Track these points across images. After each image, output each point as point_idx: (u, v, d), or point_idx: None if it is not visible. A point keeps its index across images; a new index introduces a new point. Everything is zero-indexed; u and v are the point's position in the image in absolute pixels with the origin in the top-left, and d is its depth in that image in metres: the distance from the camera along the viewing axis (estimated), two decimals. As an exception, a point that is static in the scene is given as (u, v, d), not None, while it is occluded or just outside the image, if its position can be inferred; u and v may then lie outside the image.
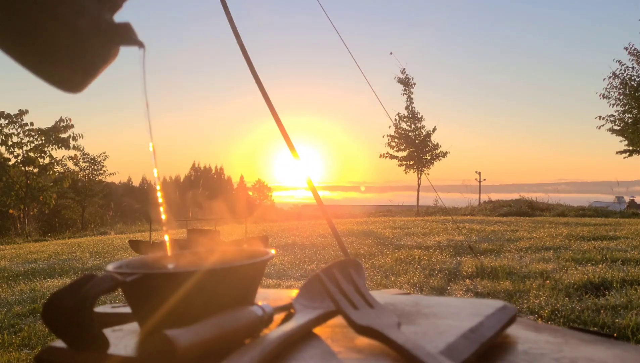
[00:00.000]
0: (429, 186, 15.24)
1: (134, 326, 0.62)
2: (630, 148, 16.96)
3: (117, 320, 0.68)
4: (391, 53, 24.72)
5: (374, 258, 5.52)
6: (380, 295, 0.70)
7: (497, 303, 0.62)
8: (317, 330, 0.56)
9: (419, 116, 17.86)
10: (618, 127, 16.80)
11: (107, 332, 0.60)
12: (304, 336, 0.53)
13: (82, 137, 19.51)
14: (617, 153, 17.52)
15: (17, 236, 14.93)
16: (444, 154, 17.87)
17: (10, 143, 18.49)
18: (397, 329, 0.50)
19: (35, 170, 19.06)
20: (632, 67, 16.41)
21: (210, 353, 0.47)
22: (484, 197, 20.59)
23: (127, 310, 0.75)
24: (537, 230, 7.72)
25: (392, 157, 18.12)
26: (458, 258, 5.36)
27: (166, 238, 0.65)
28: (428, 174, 17.60)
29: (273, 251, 0.63)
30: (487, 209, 15.33)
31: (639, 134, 16.20)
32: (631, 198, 25.42)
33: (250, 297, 0.59)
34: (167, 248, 0.65)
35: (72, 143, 19.18)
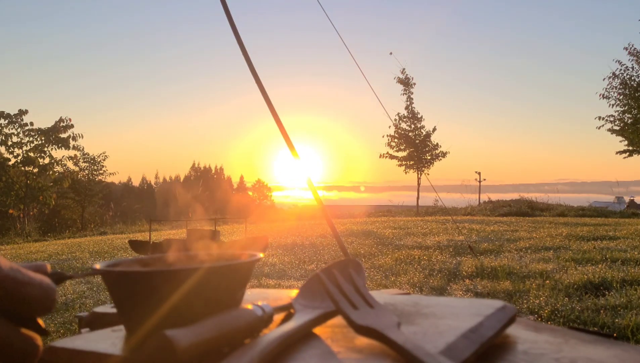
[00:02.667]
0: (428, 186, 15.25)
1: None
2: (630, 148, 16.96)
3: (117, 320, 0.68)
4: (391, 53, 24.84)
5: (374, 258, 5.52)
6: (380, 295, 0.70)
7: (497, 303, 0.62)
8: (317, 330, 0.56)
9: (419, 116, 17.88)
10: (618, 128, 16.80)
11: (107, 331, 0.60)
12: (304, 336, 0.53)
13: (82, 137, 19.55)
14: (616, 153, 17.54)
15: (17, 236, 14.93)
16: (444, 154, 17.89)
17: (10, 143, 18.49)
18: (397, 329, 0.50)
19: (35, 170, 19.05)
20: (632, 68, 16.42)
21: (210, 353, 0.47)
22: (484, 197, 20.59)
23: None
24: (537, 230, 7.72)
25: (392, 157, 18.13)
26: (458, 258, 5.36)
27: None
28: (428, 174, 17.62)
29: (261, 255, 0.62)
30: (487, 209, 15.32)
31: (638, 134, 16.20)
32: (631, 198, 25.44)
33: (234, 300, 0.57)
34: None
35: (72, 143, 19.20)
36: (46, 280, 0.43)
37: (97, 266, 0.56)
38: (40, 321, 0.45)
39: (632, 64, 16.43)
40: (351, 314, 0.54)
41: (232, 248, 1.47)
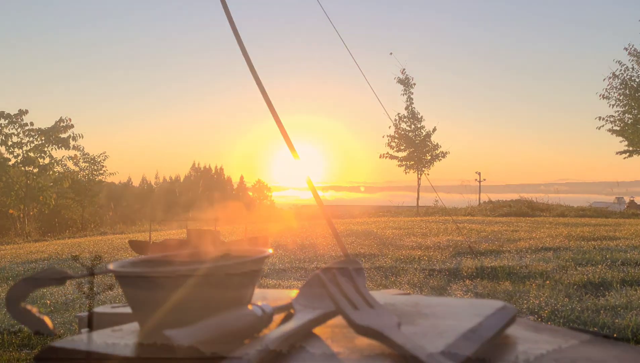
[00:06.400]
0: (428, 186, 15.23)
1: (134, 326, 0.62)
2: (630, 148, 16.95)
3: (117, 320, 0.68)
4: (391, 53, 24.86)
5: (374, 258, 5.52)
6: (380, 295, 0.70)
7: (497, 304, 0.62)
8: (317, 330, 0.56)
9: (418, 116, 17.87)
10: (618, 128, 16.79)
11: (107, 331, 0.60)
12: (304, 336, 0.53)
13: (82, 137, 19.51)
14: (617, 153, 17.53)
15: (17, 236, 14.93)
16: (444, 155, 17.88)
17: (10, 143, 18.46)
18: (397, 329, 0.50)
19: (35, 170, 19.03)
20: (632, 68, 16.41)
21: (210, 353, 0.47)
22: (484, 197, 20.55)
23: (127, 310, 0.75)
24: (537, 230, 7.72)
25: (392, 157, 18.13)
26: (458, 258, 5.36)
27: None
28: (428, 174, 17.60)
29: (270, 251, 0.63)
30: (486, 209, 15.32)
31: (638, 134, 16.19)
32: (631, 199, 25.40)
33: (244, 297, 0.58)
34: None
35: (72, 143, 19.16)
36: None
37: (111, 266, 0.57)
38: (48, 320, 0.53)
39: (632, 65, 16.42)
40: (351, 314, 0.54)
41: (231, 247, 1.47)
